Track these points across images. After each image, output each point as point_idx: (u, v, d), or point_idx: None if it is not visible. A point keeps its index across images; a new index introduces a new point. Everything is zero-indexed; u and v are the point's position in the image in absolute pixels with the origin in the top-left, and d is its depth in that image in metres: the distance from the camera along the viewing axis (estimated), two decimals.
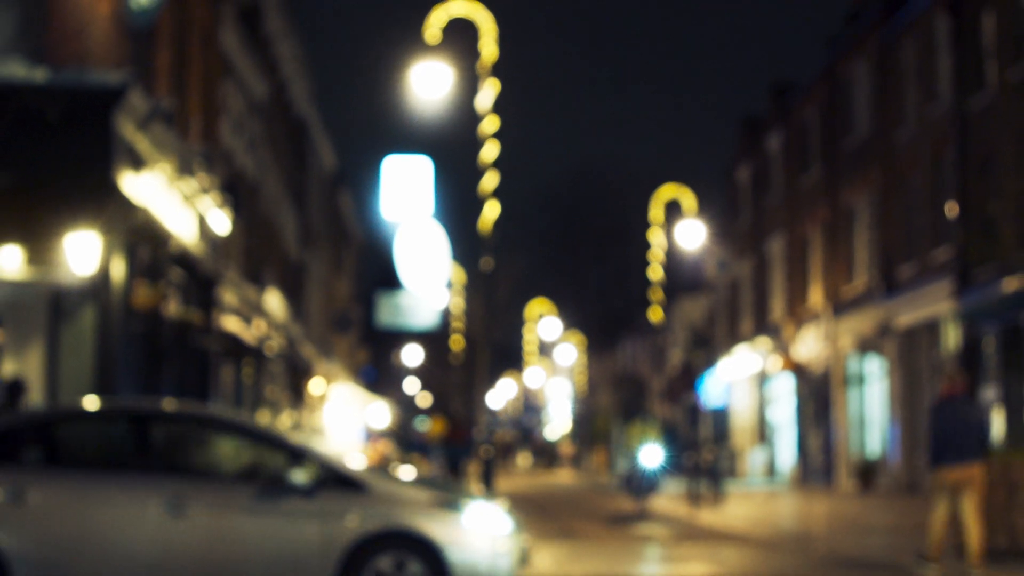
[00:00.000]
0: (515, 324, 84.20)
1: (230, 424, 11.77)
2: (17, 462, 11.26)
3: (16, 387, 17.96)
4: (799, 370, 43.83)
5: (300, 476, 11.14)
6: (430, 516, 11.23)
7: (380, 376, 79.75)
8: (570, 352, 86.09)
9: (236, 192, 28.81)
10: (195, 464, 11.58)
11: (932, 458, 14.81)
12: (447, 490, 11.85)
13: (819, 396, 42.06)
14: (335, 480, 11.27)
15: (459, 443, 34.59)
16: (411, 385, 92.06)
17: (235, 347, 29.82)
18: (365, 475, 11.44)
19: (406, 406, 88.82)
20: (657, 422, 29.31)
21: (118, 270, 20.70)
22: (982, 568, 14.52)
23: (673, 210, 52.34)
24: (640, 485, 27.25)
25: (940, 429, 14.71)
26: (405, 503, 11.28)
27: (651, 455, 27.03)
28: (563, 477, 57.61)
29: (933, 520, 14.89)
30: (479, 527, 11.31)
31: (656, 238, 50.80)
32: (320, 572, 11.01)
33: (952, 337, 31.35)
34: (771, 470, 47.07)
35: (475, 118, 24.74)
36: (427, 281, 40.41)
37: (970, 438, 14.58)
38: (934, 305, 32.16)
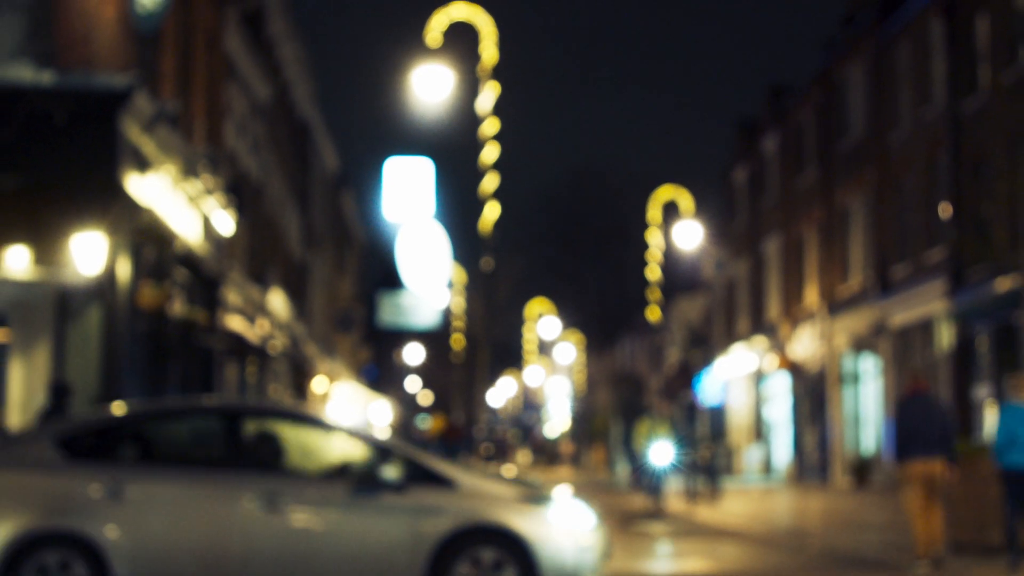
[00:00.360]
0: (515, 323, 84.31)
1: (319, 422, 11.75)
2: (114, 459, 11.31)
3: (62, 390, 18.01)
4: (795, 369, 43.83)
5: (391, 472, 11.13)
6: (517, 511, 11.18)
7: (382, 375, 79.77)
8: (569, 351, 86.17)
9: (240, 193, 28.81)
10: (285, 460, 11.52)
11: (898, 452, 15.09)
12: (532, 485, 11.80)
13: (815, 394, 42.08)
14: (423, 476, 11.24)
15: (456, 440, 34.66)
16: (412, 383, 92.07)
17: (239, 346, 29.83)
18: (452, 471, 11.42)
19: (407, 404, 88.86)
20: (667, 419, 28.85)
21: (124, 270, 20.72)
22: (933, 560, 14.83)
23: (671, 211, 52.45)
24: (652, 483, 26.87)
25: (906, 425, 15.02)
26: (493, 498, 11.24)
27: (661, 452, 26.56)
28: (562, 474, 57.64)
29: (911, 516, 15.11)
30: (565, 521, 11.27)
31: (654, 238, 50.89)
32: (410, 567, 11.00)
33: (946, 336, 31.36)
34: (767, 467, 47.09)
35: (475, 120, 24.77)
36: (428, 281, 40.41)
37: (934, 433, 14.89)
38: (928, 305, 32.17)
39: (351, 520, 11.05)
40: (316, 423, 11.70)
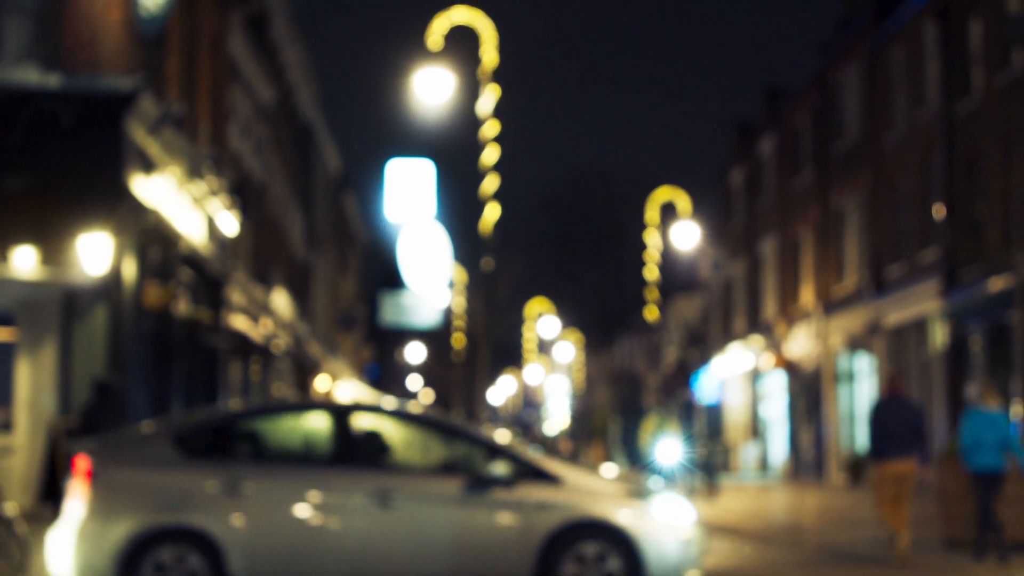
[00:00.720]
0: (515, 323, 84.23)
1: (427, 420, 11.79)
2: (229, 456, 11.38)
3: (104, 388, 18.03)
4: (791, 367, 43.83)
5: (501, 468, 11.19)
6: (622, 506, 11.23)
7: (384, 373, 79.75)
8: (568, 350, 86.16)
9: (244, 194, 28.82)
10: (393, 457, 11.56)
11: (874, 452, 15.48)
12: (635, 481, 11.83)
13: (810, 393, 42.08)
14: (530, 472, 11.28)
15: None
16: (414, 382, 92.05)
17: (243, 345, 29.84)
18: (558, 467, 11.45)
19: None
20: (675, 415, 28.23)
21: (129, 270, 20.72)
22: (909, 554, 15.20)
23: (668, 212, 52.42)
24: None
25: (882, 426, 15.40)
26: (598, 494, 11.29)
27: (669, 450, 25.49)
28: None
29: (879, 508, 15.59)
30: (667, 516, 11.31)
31: (652, 239, 50.86)
32: (520, 561, 11.04)
33: (939, 335, 31.36)
34: (764, 464, 47.08)
35: (476, 122, 24.77)
36: (429, 281, 40.38)
37: (909, 434, 15.30)
38: (922, 304, 32.17)
39: (463, 515, 11.12)
40: (424, 421, 11.75)
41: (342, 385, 52.90)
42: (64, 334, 20.31)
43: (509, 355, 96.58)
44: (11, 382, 20.30)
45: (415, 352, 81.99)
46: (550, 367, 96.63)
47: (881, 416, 15.48)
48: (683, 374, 58.66)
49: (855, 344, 37.78)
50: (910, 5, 33.41)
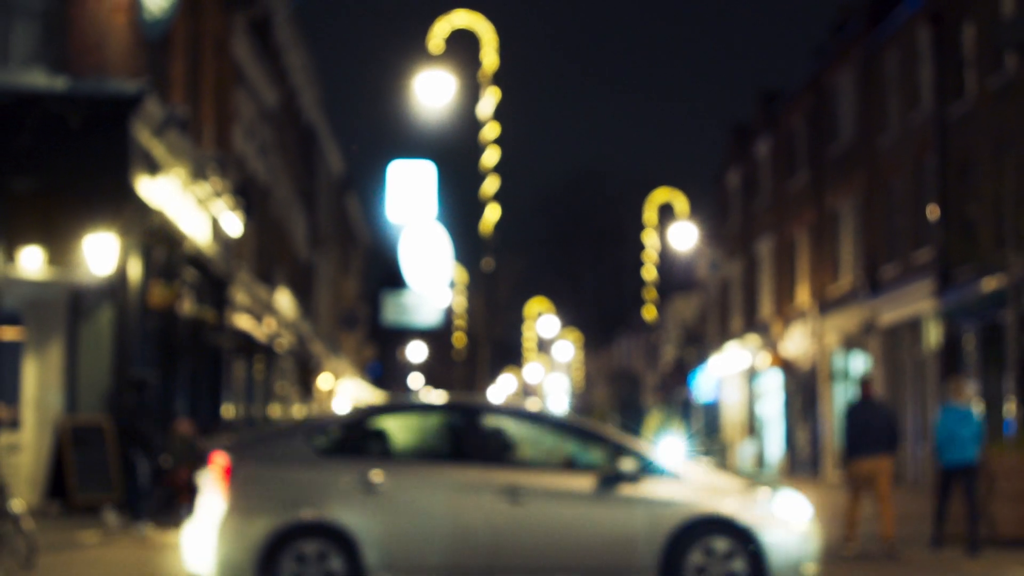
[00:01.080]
0: (515, 322, 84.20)
1: (553, 419, 11.86)
2: (363, 453, 11.43)
3: (142, 384, 18.07)
4: (787, 366, 43.83)
5: (628, 465, 11.23)
6: (744, 502, 11.27)
7: (386, 372, 79.73)
8: (568, 349, 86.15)
9: (248, 196, 28.82)
10: (522, 455, 11.64)
11: (848, 451, 15.92)
12: (754, 477, 11.88)
13: (806, 391, 42.07)
14: (654, 469, 11.35)
15: None
16: (415, 380, 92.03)
17: (247, 344, 29.84)
18: (680, 464, 11.52)
19: None
20: (678, 411, 27.50)
21: (135, 270, 20.73)
22: (894, 547, 15.55)
23: (666, 213, 52.44)
24: None
25: (857, 426, 15.84)
26: (720, 490, 11.35)
27: (672, 447, 25.01)
28: None
29: (847, 506, 16.10)
30: (787, 512, 11.35)
31: (650, 240, 50.87)
32: (646, 556, 11.09)
33: (933, 335, 31.36)
34: (760, 462, 47.07)
35: (476, 125, 24.77)
36: (431, 281, 40.42)
37: (882, 434, 15.73)
38: (916, 304, 32.17)
39: (592, 512, 11.18)
40: (551, 421, 11.82)
41: (344, 384, 52.91)
42: (70, 333, 20.32)
43: (509, 354, 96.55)
44: (18, 380, 20.31)
45: (416, 351, 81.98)
46: (550, 366, 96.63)
47: (855, 417, 15.91)
48: (681, 373, 58.69)
49: (850, 343, 37.78)
50: (904, 9, 33.41)
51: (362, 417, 11.83)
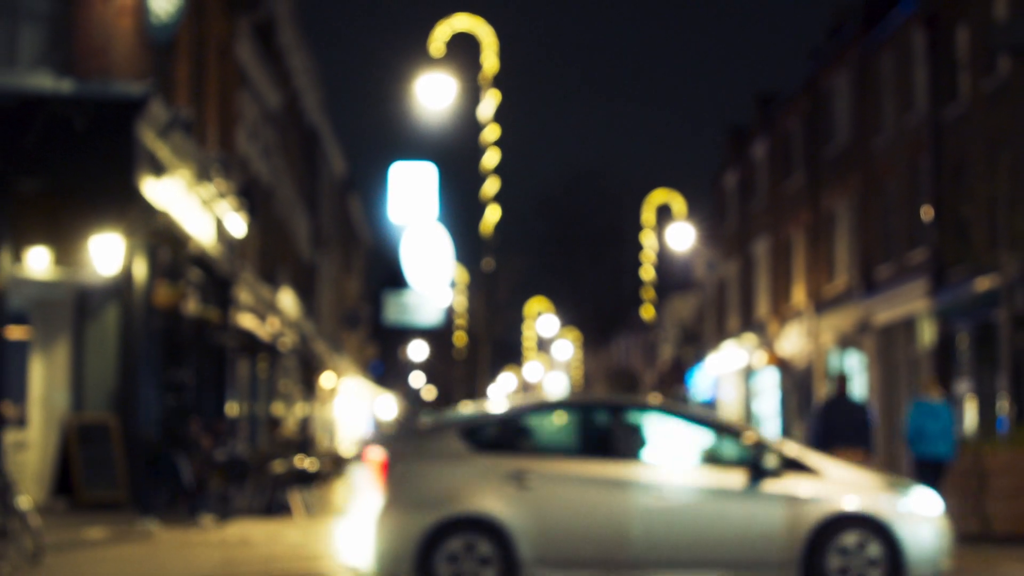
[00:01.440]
0: (515, 321, 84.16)
1: (697, 416, 11.93)
2: (514, 448, 11.52)
3: (181, 386, 18.13)
4: (783, 365, 43.82)
5: (771, 462, 11.33)
6: (881, 499, 11.32)
7: (387, 370, 79.72)
8: (567, 347, 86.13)
9: (251, 196, 28.81)
10: (667, 451, 11.68)
11: (822, 445, 15.98)
12: (889, 475, 11.92)
13: (802, 389, 42.06)
14: (793, 466, 11.42)
15: None
16: (417, 379, 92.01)
17: (250, 343, 29.82)
18: (818, 461, 11.58)
19: (412, 399, 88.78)
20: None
21: (140, 270, 20.72)
22: None
23: (664, 214, 52.41)
24: None
25: (830, 422, 16.13)
26: (857, 486, 11.42)
27: None
28: None
29: None
30: (921, 508, 11.39)
31: (648, 240, 50.84)
32: (787, 550, 11.17)
33: (927, 334, 31.35)
34: None
35: (477, 127, 24.77)
36: (432, 281, 40.40)
37: (853, 429, 16.08)
38: (910, 303, 32.16)
39: (739, 507, 11.26)
40: (694, 418, 11.89)
41: (347, 382, 52.89)
42: (77, 332, 20.32)
43: (509, 353, 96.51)
44: (25, 379, 20.31)
45: (418, 350, 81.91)
46: (549, 364, 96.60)
47: (829, 413, 16.24)
48: (678, 371, 58.69)
49: (845, 342, 37.77)
50: (899, 13, 33.40)
51: (513, 414, 11.95)
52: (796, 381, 42.71)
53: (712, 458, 11.53)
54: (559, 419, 12.01)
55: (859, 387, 36.83)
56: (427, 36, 25.07)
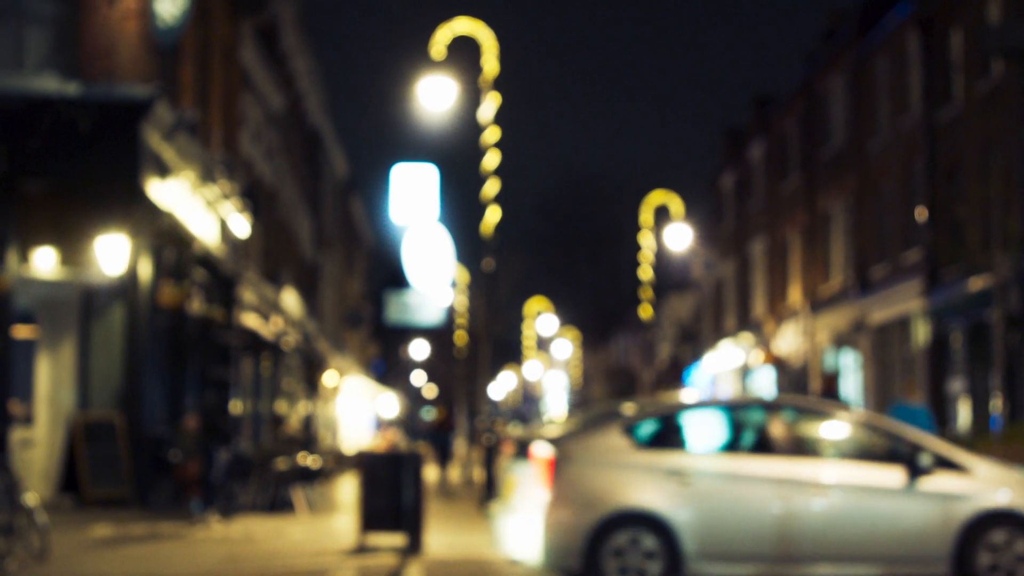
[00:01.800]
0: (515, 320, 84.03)
1: (848, 415, 11.97)
2: (675, 445, 11.63)
3: (223, 384, 18.19)
4: (779, 363, 43.83)
5: (925, 460, 11.38)
6: None
7: (389, 369, 79.71)
8: (566, 346, 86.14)
9: (255, 198, 28.81)
10: (824, 449, 11.74)
11: None
12: None
13: (798, 387, 42.06)
14: (942, 463, 11.48)
15: (445, 430, 34.58)
16: (418, 377, 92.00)
17: (254, 342, 29.82)
18: (967, 458, 11.63)
19: (413, 397, 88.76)
20: None
21: (145, 270, 20.73)
22: None
23: (662, 215, 52.30)
24: None
25: None
26: (1008, 484, 11.49)
27: None
28: None
29: None
30: None
31: (646, 241, 50.76)
32: (940, 546, 11.26)
33: (922, 333, 31.37)
34: None
35: (478, 129, 24.76)
36: (433, 281, 40.24)
37: None
38: (905, 303, 32.17)
39: (896, 504, 11.34)
40: (847, 416, 11.93)
41: (349, 380, 52.89)
42: (83, 331, 20.33)
43: (509, 352, 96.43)
44: (32, 377, 20.32)
45: (419, 349, 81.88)
46: (549, 363, 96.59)
47: None
48: (676, 369, 58.69)
49: (841, 341, 37.78)
50: (893, 16, 33.41)
51: (673, 412, 12.01)
52: (792, 379, 42.72)
53: (868, 455, 11.58)
54: (719, 417, 12.05)
55: (854, 385, 36.85)
56: (428, 40, 25.05)
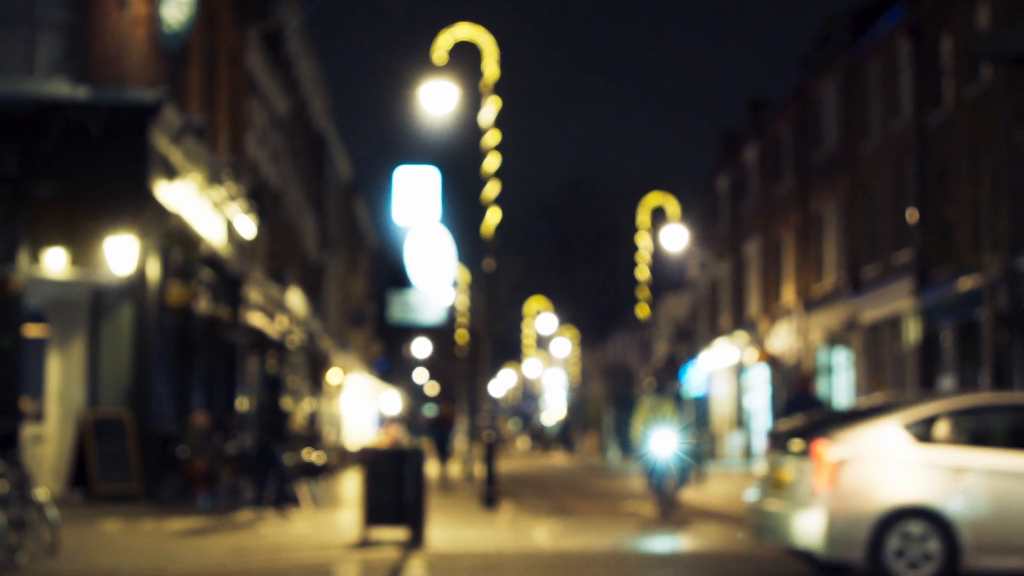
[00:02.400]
0: (515, 319, 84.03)
1: None
2: (952, 442, 11.69)
3: (277, 383, 18.18)
4: (773, 361, 43.82)
5: None
6: None
7: (392, 367, 79.68)
8: (565, 345, 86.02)
9: (261, 199, 28.81)
10: None
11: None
12: None
13: (791, 385, 42.05)
14: None
15: (445, 427, 34.58)
16: (420, 375, 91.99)
17: (260, 340, 29.83)
18: None
19: (415, 394, 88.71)
20: (671, 398, 22.13)
21: (153, 270, 20.73)
22: None
23: (658, 216, 52.25)
24: (655, 481, 20.22)
25: (790, 416, 16.14)
26: None
27: (663, 441, 20.29)
28: (558, 459, 57.68)
29: None
30: None
31: (643, 241, 50.72)
32: None
33: (912, 332, 31.36)
34: (748, 452, 47.05)
35: (478, 132, 24.76)
36: (435, 280, 40.24)
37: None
38: (896, 302, 32.17)
39: None
40: None
41: (353, 378, 52.88)
42: (92, 330, 20.33)
43: (509, 350, 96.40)
44: (43, 375, 20.33)
45: (421, 347, 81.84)
46: (548, 361, 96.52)
47: (790, 408, 16.68)
48: (672, 367, 58.59)
49: (833, 340, 37.78)
50: (885, 22, 33.41)
51: (949, 410, 12.01)
52: (786, 377, 42.70)
53: None
54: (992, 416, 12.09)
55: (846, 383, 36.86)
56: (430, 44, 25.04)
